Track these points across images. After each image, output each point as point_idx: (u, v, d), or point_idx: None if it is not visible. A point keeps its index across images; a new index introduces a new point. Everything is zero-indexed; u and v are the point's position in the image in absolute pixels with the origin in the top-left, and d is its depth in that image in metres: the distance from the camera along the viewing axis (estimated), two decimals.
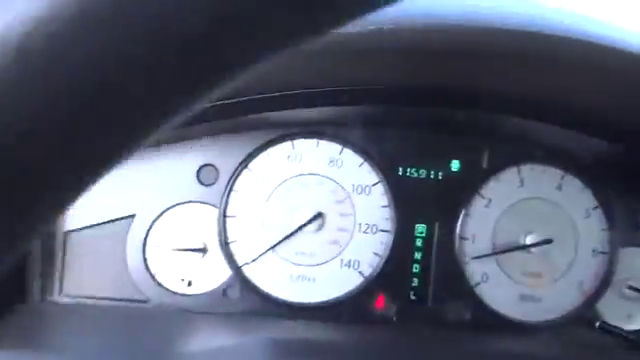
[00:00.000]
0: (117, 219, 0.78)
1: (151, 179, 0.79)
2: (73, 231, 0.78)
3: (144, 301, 0.78)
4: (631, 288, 0.87)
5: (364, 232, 0.84)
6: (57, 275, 0.79)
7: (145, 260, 0.79)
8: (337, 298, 0.82)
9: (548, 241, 0.86)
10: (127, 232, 0.78)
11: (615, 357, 0.82)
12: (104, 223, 0.78)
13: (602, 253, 0.88)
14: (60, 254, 0.79)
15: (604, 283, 0.87)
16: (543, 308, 0.86)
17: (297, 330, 0.77)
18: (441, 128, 0.87)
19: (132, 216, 0.78)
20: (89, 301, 0.78)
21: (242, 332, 0.75)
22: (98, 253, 0.78)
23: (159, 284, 0.79)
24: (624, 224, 0.88)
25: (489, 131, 0.86)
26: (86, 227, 0.78)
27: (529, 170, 0.87)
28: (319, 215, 0.82)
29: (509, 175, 0.87)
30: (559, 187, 0.88)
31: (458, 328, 0.84)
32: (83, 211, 0.78)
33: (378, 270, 0.83)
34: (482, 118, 0.85)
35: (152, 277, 0.79)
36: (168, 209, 0.79)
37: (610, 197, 0.88)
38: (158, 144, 0.78)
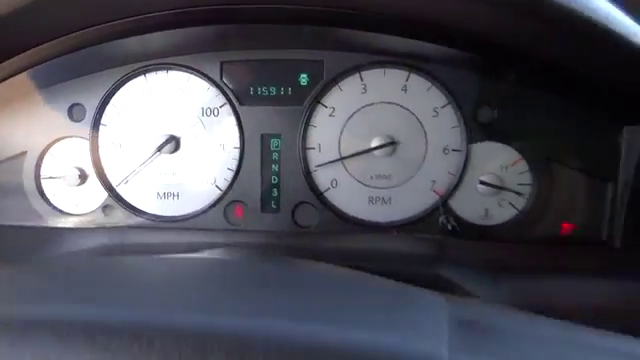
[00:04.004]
0: (12, 157, 0.95)
1: (33, 121, 0.94)
2: None
3: (41, 221, 0.95)
4: (483, 183, 0.86)
5: (217, 150, 0.92)
6: None
7: (41, 188, 0.95)
8: (199, 210, 0.93)
9: (393, 143, 0.88)
10: (22, 167, 0.95)
11: (454, 250, 0.83)
12: (3, 161, 0.95)
13: (454, 151, 0.87)
14: None
15: (456, 180, 0.87)
16: (393, 209, 0.89)
17: (157, 237, 0.90)
18: (288, 44, 0.90)
19: (24, 153, 0.95)
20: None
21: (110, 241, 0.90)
22: (2, 188, 0.96)
23: (53, 207, 0.95)
24: (473, 120, 0.86)
25: (329, 43, 0.88)
26: None
27: (371, 76, 0.89)
28: (172, 138, 0.91)
29: (351, 83, 0.89)
30: (404, 89, 0.88)
31: (309, 232, 0.90)
32: None
33: (231, 183, 0.91)
34: (323, 31, 0.87)
35: (47, 202, 0.95)
36: (51, 145, 0.94)
37: (459, 94, 0.86)
38: (32, 89, 0.92)
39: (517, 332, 0.37)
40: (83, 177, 0.94)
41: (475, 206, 0.87)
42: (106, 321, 0.35)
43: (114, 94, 0.93)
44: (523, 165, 0.86)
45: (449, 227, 0.83)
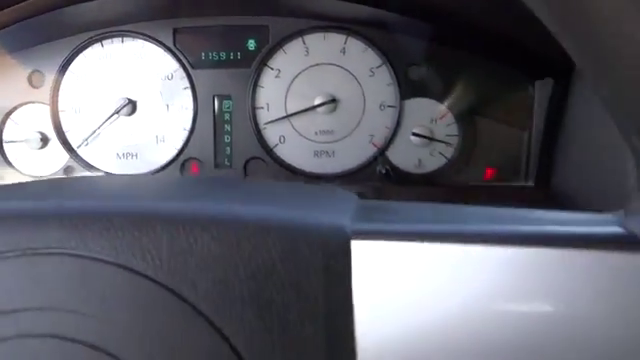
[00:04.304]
0: None
1: None
2: None
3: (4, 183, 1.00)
4: (415, 135, 0.96)
5: (172, 112, 0.99)
6: None
7: (3, 152, 1.00)
8: (157, 168, 0.99)
9: (334, 100, 0.96)
10: None
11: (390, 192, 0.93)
12: None
13: (389, 107, 0.97)
14: None
15: (392, 133, 0.96)
16: (336, 161, 0.98)
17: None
18: (236, 11, 0.98)
19: None
20: None
21: None
22: None
23: (16, 169, 1.00)
24: (405, 78, 0.96)
25: (274, 9, 0.96)
26: None
27: (313, 39, 0.97)
28: (129, 101, 0.98)
29: (295, 47, 0.97)
30: (343, 51, 0.97)
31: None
32: None
33: (186, 142, 0.98)
34: None
35: (10, 165, 1.00)
36: (12, 110, 0.99)
37: (392, 55, 0.95)
38: None
39: (419, 210, 0.46)
40: (45, 140, 0.99)
41: (409, 156, 0.97)
42: (73, 207, 0.42)
43: (72, 61, 0.98)
44: (450, 118, 0.96)
45: (383, 172, 0.92)
